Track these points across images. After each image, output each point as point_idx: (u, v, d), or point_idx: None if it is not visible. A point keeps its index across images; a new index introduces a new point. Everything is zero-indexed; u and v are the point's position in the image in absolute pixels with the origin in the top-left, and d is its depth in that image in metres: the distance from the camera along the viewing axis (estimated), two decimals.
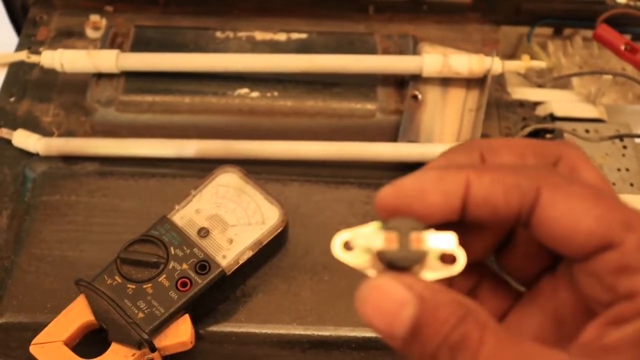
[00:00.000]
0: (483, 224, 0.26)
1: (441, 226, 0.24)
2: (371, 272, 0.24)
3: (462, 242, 0.26)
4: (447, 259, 0.24)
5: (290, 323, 0.43)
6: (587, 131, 0.53)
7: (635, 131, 0.53)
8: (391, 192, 0.24)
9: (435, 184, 0.24)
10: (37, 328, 0.40)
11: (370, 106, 0.52)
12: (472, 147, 0.26)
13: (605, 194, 0.24)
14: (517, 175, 0.24)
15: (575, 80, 0.57)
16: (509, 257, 0.28)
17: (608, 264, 0.23)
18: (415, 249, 0.23)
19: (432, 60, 0.51)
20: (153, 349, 0.39)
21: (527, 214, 0.24)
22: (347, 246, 0.24)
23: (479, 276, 0.28)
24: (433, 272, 0.24)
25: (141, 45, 0.55)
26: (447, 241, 0.23)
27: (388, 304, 0.22)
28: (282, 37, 0.56)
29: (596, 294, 0.23)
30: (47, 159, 0.50)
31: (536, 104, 0.55)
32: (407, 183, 0.24)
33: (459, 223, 0.25)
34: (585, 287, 0.24)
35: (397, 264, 0.23)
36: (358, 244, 0.24)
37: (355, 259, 0.24)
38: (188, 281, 0.41)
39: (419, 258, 0.23)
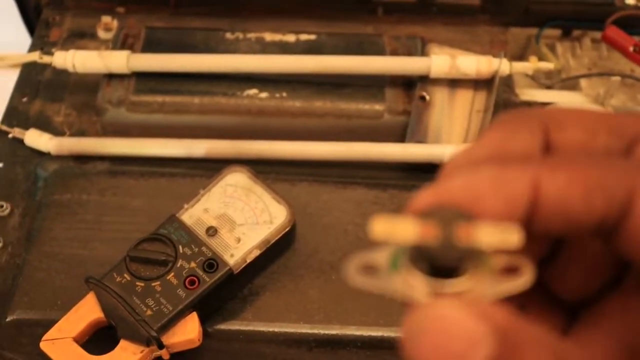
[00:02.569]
0: (548, 235, 0.21)
1: None
2: (415, 294, 0.18)
3: None
4: (502, 269, 0.18)
5: (297, 322, 0.44)
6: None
7: None
8: (432, 197, 0.19)
9: (494, 187, 0.19)
10: (48, 325, 0.41)
11: (378, 107, 0.52)
12: (532, 120, 0.21)
13: None
14: (601, 171, 0.19)
15: (583, 82, 0.57)
16: (558, 270, 0.22)
17: None
18: (465, 244, 0.17)
19: (439, 61, 0.51)
20: (161, 346, 0.40)
21: (613, 223, 0.19)
22: (367, 269, 0.19)
23: (527, 291, 0.21)
24: (491, 286, 0.18)
25: (152, 46, 0.55)
26: (508, 235, 0.17)
27: (454, 342, 0.16)
28: (291, 38, 0.56)
29: None
30: (59, 158, 0.51)
31: (544, 105, 0.55)
32: (456, 186, 0.19)
33: None
34: None
35: (438, 262, 0.17)
36: (379, 260, 0.19)
37: (383, 282, 0.18)
38: (196, 279, 0.41)
39: (468, 257, 0.17)
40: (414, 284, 0.18)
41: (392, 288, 0.18)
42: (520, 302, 0.22)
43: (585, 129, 0.21)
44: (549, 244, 0.22)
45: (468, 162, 0.20)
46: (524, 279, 0.18)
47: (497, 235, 0.17)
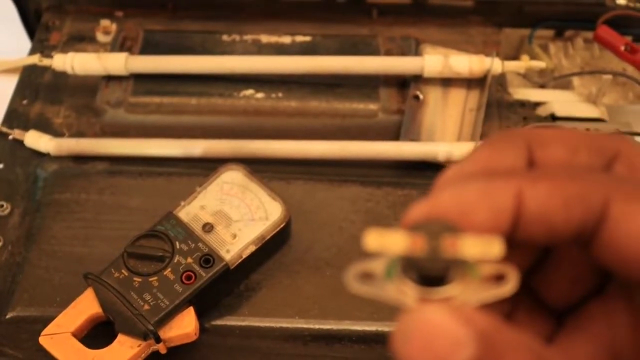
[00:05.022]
0: (531, 244, 0.21)
1: None
2: (406, 300, 0.19)
3: None
4: (488, 276, 0.19)
5: (292, 317, 0.44)
6: (587, 130, 0.54)
7: (635, 130, 0.54)
8: (425, 211, 0.20)
9: (481, 200, 0.20)
10: (47, 321, 0.41)
11: (372, 106, 0.53)
12: (517, 139, 0.22)
13: None
14: (578, 182, 0.20)
15: (576, 81, 0.57)
16: (544, 278, 0.23)
17: None
18: (450, 255, 0.18)
19: (433, 61, 0.52)
20: (158, 340, 0.40)
21: (590, 231, 0.20)
22: (365, 277, 0.20)
23: (515, 297, 0.22)
24: (477, 292, 0.19)
25: (150, 48, 0.56)
26: (489, 246, 0.18)
27: (439, 343, 0.17)
28: (287, 39, 0.57)
29: None
30: (58, 158, 0.52)
31: (537, 104, 0.56)
32: (445, 199, 0.20)
33: None
34: None
35: (425, 271, 0.19)
36: (376, 268, 0.20)
37: (378, 290, 0.19)
38: (192, 274, 0.42)
39: (454, 267, 0.19)
40: (406, 292, 0.19)
41: (387, 295, 0.19)
42: (509, 308, 0.23)
43: (567, 147, 0.22)
44: (537, 252, 0.23)
45: (457, 178, 0.21)
46: (509, 286, 0.19)
47: (479, 247, 0.18)
